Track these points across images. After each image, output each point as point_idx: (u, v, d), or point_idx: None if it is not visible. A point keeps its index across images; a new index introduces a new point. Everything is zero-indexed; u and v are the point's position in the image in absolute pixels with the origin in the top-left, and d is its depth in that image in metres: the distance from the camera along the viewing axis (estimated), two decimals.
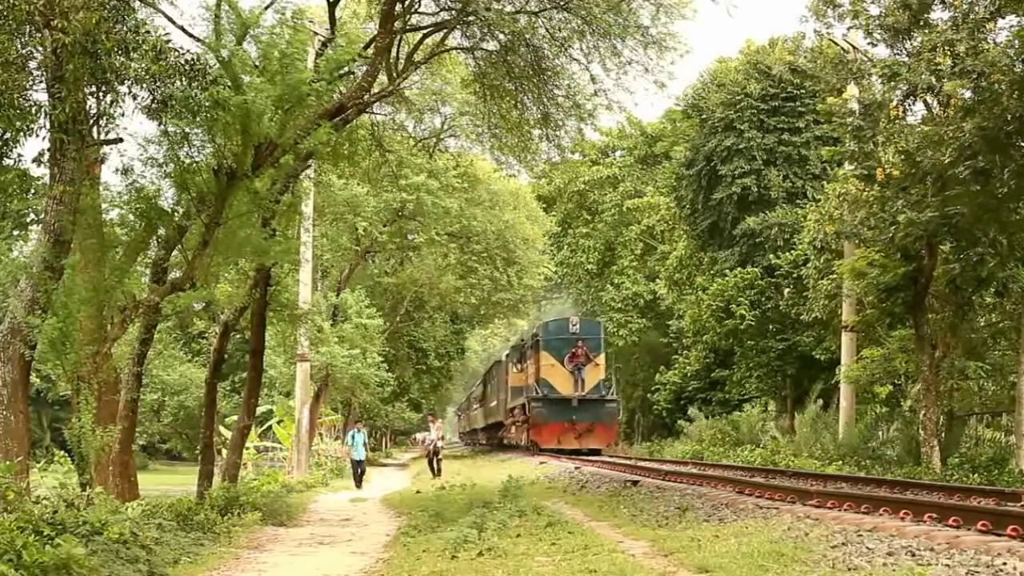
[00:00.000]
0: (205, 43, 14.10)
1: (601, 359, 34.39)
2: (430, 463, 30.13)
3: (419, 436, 35.52)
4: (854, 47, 22.08)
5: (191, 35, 14.58)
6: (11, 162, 12.93)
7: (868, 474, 17.94)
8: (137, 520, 11.12)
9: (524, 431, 35.93)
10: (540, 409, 33.17)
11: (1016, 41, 16.43)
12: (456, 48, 20.17)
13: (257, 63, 14.38)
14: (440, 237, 40.52)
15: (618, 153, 57.35)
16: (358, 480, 27.01)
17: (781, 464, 22.42)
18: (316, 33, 20.46)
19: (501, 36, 18.33)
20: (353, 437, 27.86)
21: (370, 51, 17.14)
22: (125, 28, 12.09)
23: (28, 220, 14.37)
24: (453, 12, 18.23)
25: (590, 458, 33.33)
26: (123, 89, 12.64)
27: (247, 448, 26.18)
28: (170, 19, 14.38)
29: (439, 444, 30.67)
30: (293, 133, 14.25)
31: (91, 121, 12.86)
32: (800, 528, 9.38)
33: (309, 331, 27.15)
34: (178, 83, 12.62)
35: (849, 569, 7.41)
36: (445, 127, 30.40)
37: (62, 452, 14.37)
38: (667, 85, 20.33)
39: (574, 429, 32.75)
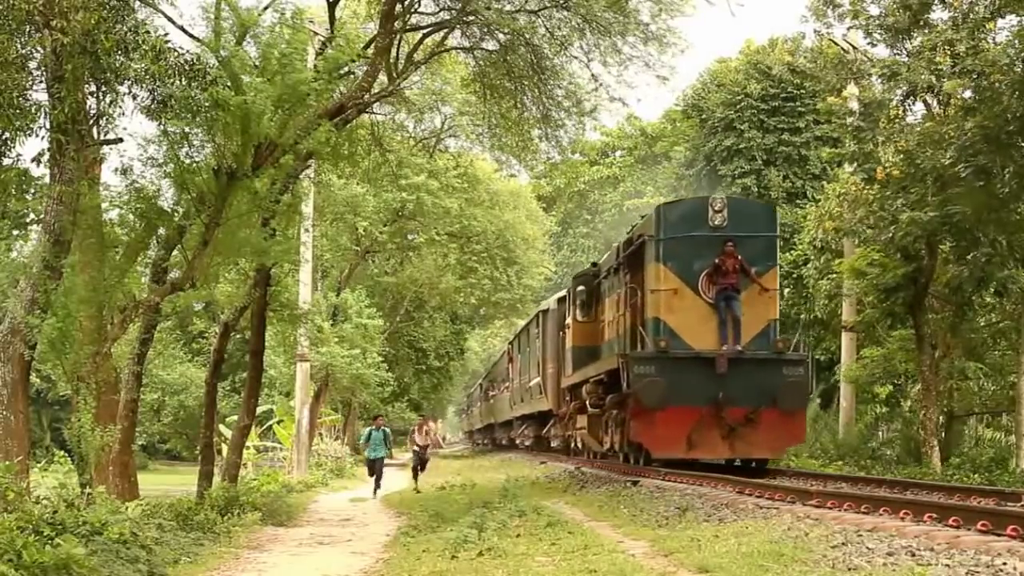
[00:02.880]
0: (205, 43, 14.10)
1: (773, 277, 17.65)
2: (414, 472, 24.64)
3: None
4: (854, 47, 22.07)
5: (191, 35, 14.60)
6: (11, 162, 12.93)
7: (868, 474, 17.93)
8: (137, 520, 11.12)
9: (608, 425, 20.13)
10: (651, 379, 16.68)
11: (1016, 41, 16.43)
12: (456, 48, 20.18)
13: (256, 63, 14.39)
14: (440, 237, 40.49)
15: (618, 153, 57.35)
16: (376, 482, 22.94)
17: (781, 464, 22.43)
18: (316, 33, 20.45)
19: (501, 35, 18.35)
20: (370, 435, 23.72)
21: (370, 51, 17.15)
22: (125, 28, 12.09)
23: (28, 220, 14.35)
24: (453, 12, 18.24)
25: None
26: (123, 89, 12.65)
27: (247, 448, 26.15)
28: (170, 19, 14.41)
29: (425, 453, 25.35)
30: (293, 133, 14.26)
31: (91, 121, 12.86)
32: (800, 528, 9.38)
33: (309, 331, 27.13)
34: (178, 83, 12.62)
35: (849, 569, 7.41)
36: (445, 127, 30.39)
37: (62, 452, 14.37)
38: (668, 79, 20.37)
39: (720, 419, 16.66)
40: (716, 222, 17.48)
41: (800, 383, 17.03)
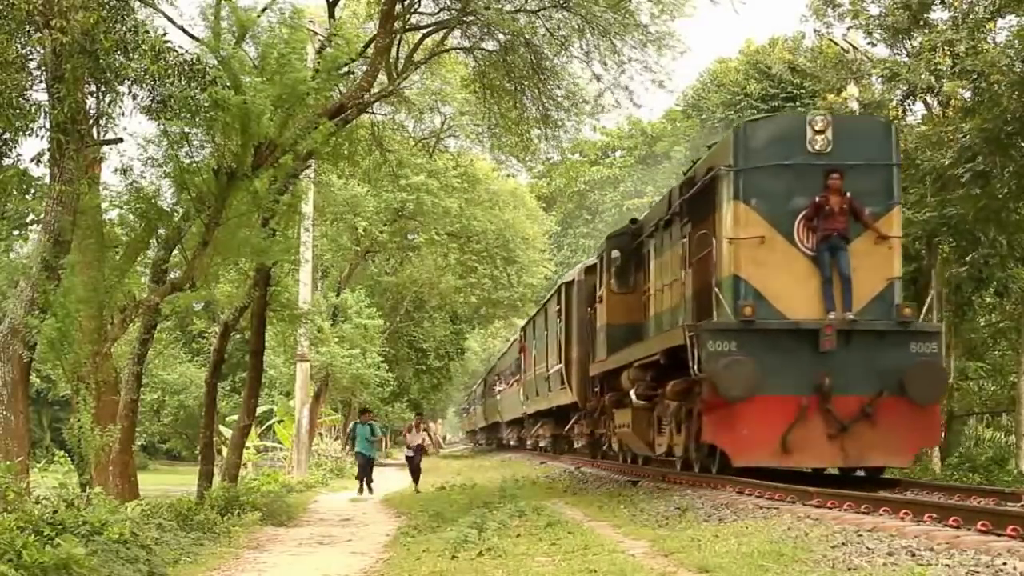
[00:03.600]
0: (204, 43, 14.11)
1: (895, 220, 13.54)
2: (414, 474, 23.08)
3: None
4: (854, 47, 22.09)
5: (191, 35, 14.61)
6: (11, 162, 12.93)
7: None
8: (137, 520, 11.11)
9: (660, 422, 16.27)
10: (733, 359, 12.80)
11: (1016, 41, 16.46)
12: (456, 48, 20.18)
13: (256, 63, 14.40)
14: (440, 237, 40.49)
15: (618, 153, 57.38)
16: (362, 483, 22.27)
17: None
18: (316, 33, 20.46)
19: (501, 36, 18.34)
20: (355, 430, 22.80)
21: (370, 51, 17.15)
22: (124, 28, 12.10)
23: (28, 220, 14.36)
24: (453, 12, 18.24)
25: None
26: (123, 89, 12.67)
27: (247, 448, 26.17)
28: (170, 19, 14.42)
29: (418, 457, 23.28)
30: (293, 133, 14.27)
31: (90, 121, 12.87)
32: (800, 528, 9.38)
33: (309, 331, 27.14)
34: (177, 83, 12.63)
35: (849, 569, 7.41)
36: (445, 127, 30.36)
37: (62, 452, 14.36)
38: (665, 84, 20.38)
39: (827, 413, 12.82)
40: (817, 146, 13.32)
41: (934, 363, 13.06)
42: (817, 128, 13.36)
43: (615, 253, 19.23)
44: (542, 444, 34.92)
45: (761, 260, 13.19)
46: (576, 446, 28.15)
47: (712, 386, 12.86)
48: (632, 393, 16.53)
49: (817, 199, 13.11)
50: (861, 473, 13.81)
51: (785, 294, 13.17)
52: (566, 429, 27.40)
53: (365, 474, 22.27)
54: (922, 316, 13.39)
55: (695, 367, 12.97)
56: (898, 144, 14.12)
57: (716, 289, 13.30)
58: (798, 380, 12.82)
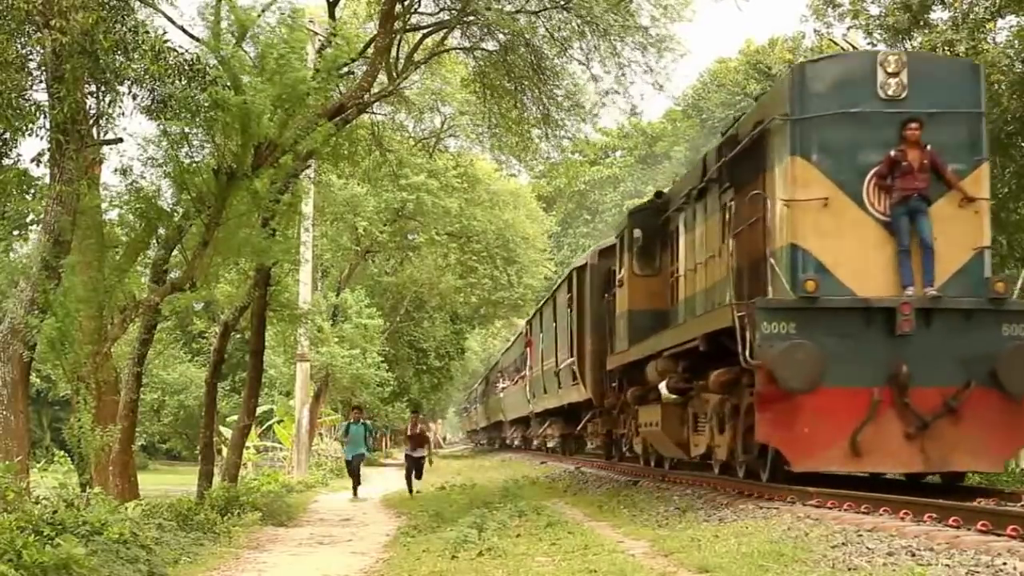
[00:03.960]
0: (204, 43, 14.12)
1: (982, 179, 11.53)
2: (408, 479, 21.27)
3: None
4: (854, 47, 22.06)
5: (191, 35, 14.62)
6: (11, 162, 12.94)
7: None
8: (137, 520, 11.12)
9: (696, 420, 14.52)
10: (793, 343, 10.80)
11: (1016, 41, 16.47)
12: (456, 48, 20.20)
13: (256, 63, 14.40)
14: (440, 237, 40.52)
15: (618, 153, 57.42)
16: (356, 484, 21.12)
17: None
18: (316, 33, 20.47)
19: (501, 36, 18.35)
20: (348, 429, 21.39)
21: (370, 51, 17.16)
22: (124, 28, 12.11)
23: (28, 220, 14.37)
24: (453, 12, 18.25)
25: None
26: (122, 89, 12.68)
27: (247, 448, 26.16)
28: (170, 19, 14.43)
29: (417, 451, 21.32)
30: (293, 133, 14.28)
31: (90, 121, 12.88)
32: (800, 528, 9.38)
33: (309, 331, 27.14)
34: (177, 83, 12.64)
35: (849, 569, 7.41)
36: (445, 127, 30.38)
37: (62, 452, 14.37)
38: (664, 87, 20.47)
39: (905, 409, 10.89)
40: (890, 91, 11.28)
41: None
42: (890, 69, 11.27)
43: (637, 231, 17.26)
44: (550, 445, 32.99)
45: (824, 226, 11.21)
46: (590, 447, 26.52)
47: (768, 375, 10.79)
48: (662, 387, 14.70)
49: (892, 154, 11.14)
50: (935, 479, 11.87)
51: (853, 266, 11.21)
52: (578, 429, 25.52)
53: (356, 475, 21.13)
54: (1016, 291, 11.35)
55: (746, 354, 10.92)
56: (983, 88, 11.89)
57: (772, 261, 11.28)
58: (869, 369, 10.92)
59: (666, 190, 17.86)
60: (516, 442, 42.22)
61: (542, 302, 31.40)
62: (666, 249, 16.73)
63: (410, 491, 20.76)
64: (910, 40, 18.97)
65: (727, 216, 12.99)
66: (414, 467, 21.35)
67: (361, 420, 21.59)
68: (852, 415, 10.84)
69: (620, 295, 18.07)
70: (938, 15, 18.67)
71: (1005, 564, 6.93)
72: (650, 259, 17.10)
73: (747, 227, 12.26)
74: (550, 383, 27.38)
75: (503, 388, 42.83)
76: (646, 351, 15.82)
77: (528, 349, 32.76)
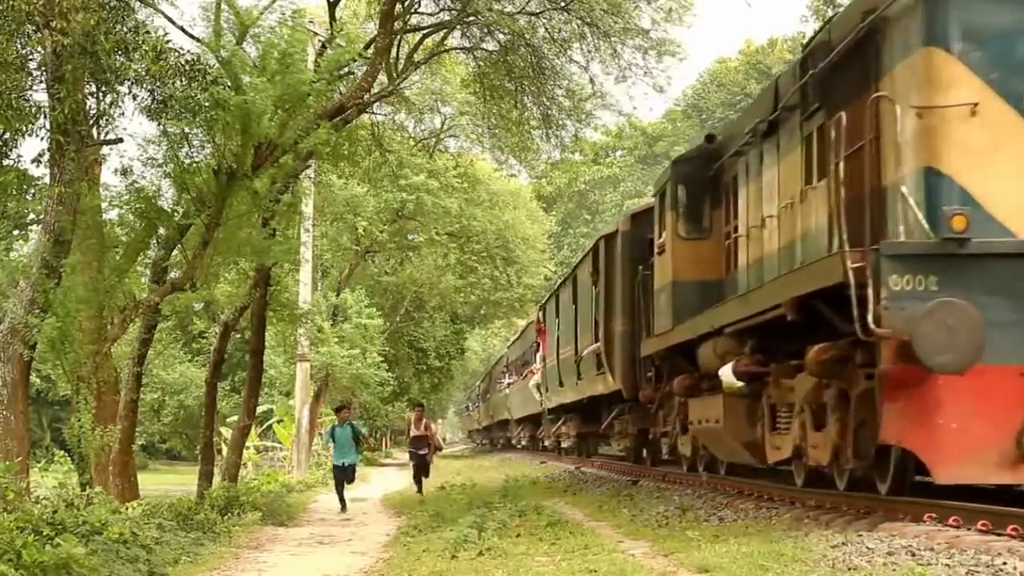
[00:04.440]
0: (205, 43, 14.13)
1: None
2: (417, 478, 20.60)
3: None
4: None
5: (191, 35, 14.64)
6: (11, 162, 12.94)
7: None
8: (137, 520, 11.13)
9: (775, 413, 11.28)
10: (941, 302, 7.62)
11: None
12: (456, 48, 20.21)
13: (256, 63, 14.42)
14: (440, 237, 40.53)
15: (618, 153, 57.45)
16: (342, 497, 17.92)
17: None
18: (316, 33, 20.48)
19: (501, 36, 18.37)
20: (334, 432, 18.31)
21: (370, 51, 17.17)
22: (125, 29, 12.11)
23: (28, 220, 14.39)
24: (453, 12, 18.26)
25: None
26: (123, 89, 12.69)
27: (247, 448, 26.16)
28: (170, 19, 14.43)
29: (422, 447, 20.64)
30: (293, 133, 14.28)
31: (91, 121, 12.88)
32: (800, 528, 9.39)
33: (309, 331, 27.15)
34: (178, 83, 12.64)
35: (849, 569, 7.41)
36: (445, 127, 30.42)
37: (62, 452, 14.39)
38: (665, 89, 20.57)
39: None
40: None
41: None
42: None
43: (682, 187, 14.11)
44: (565, 445, 28.67)
45: (975, 143, 8.14)
46: (616, 448, 22.98)
47: (900, 349, 7.87)
48: (724, 372, 11.52)
49: None
50: None
51: (1015, 199, 8.19)
52: (602, 427, 21.87)
53: (341, 488, 17.88)
54: None
55: (866, 319, 7.94)
56: None
57: (903, 189, 8.23)
58: None
59: (719, 136, 14.51)
60: (524, 442, 38.61)
61: (558, 284, 27.83)
62: (719, 205, 13.69)
63: (420, 491, 20.19)
64: None
65: (814, 149, 10.01)
66: (420, 465, 20.70)
67: (348, 421, 18.32)
68: (1018, 406, 7.96)
69: (661, 265, 14.96)
70: None
71: (1005, 564, 6.93)
72: (698, 219, 14.10)
73: (853, 153, 8.87)
74: (567, 375, 23.61)
75: (508, 384, 39.64)
76: (699, 329, 12.72)
77: (541, 338, 28.96)
